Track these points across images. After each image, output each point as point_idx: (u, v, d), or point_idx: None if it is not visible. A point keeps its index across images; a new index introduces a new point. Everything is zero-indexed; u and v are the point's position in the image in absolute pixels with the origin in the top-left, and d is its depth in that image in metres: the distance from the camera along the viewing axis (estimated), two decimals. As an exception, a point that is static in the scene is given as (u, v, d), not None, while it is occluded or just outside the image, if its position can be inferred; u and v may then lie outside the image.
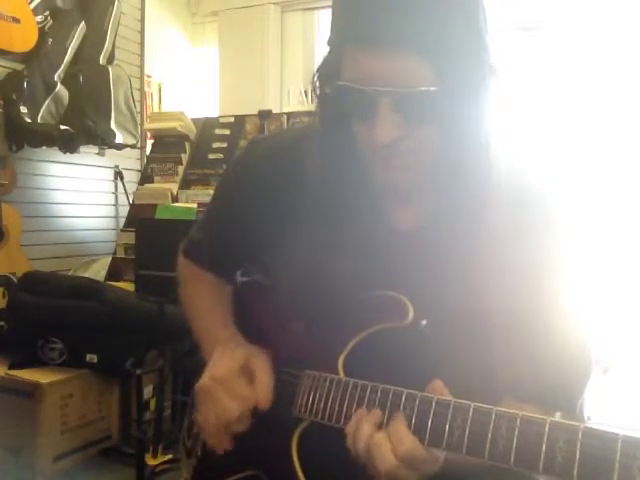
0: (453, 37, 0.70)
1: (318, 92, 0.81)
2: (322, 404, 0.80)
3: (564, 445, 0.59)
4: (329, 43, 0.80)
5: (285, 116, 3.13)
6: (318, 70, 0.82)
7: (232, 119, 3.39)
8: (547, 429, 0.61)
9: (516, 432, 0.62)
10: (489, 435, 0.64)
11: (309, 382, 0.84)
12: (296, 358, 0.88)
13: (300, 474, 0.81)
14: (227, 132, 3.33)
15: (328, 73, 0.79)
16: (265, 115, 2.69)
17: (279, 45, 4.63)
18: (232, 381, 0.86)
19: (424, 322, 0.78)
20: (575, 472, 0.58)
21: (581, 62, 3.81)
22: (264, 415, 0.87)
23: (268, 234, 0.94)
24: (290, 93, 4.51)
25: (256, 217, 0.95)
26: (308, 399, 0.83)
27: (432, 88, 0.71)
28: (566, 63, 3.86)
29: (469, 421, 0.66)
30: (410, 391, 0.72)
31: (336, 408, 0.79)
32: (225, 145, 3.28)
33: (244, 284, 1.04)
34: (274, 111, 2.89)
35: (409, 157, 0.77)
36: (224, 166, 3.13)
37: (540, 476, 0.61)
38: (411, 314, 0.77)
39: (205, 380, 0.88)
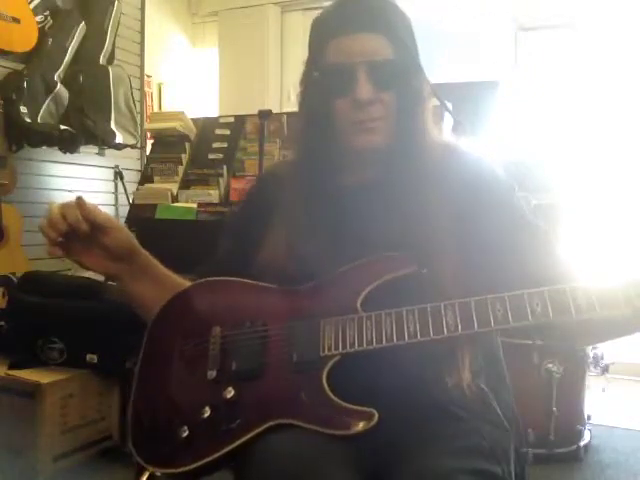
0: (402, 30, 1.05)
1: (306, 81, 1.09)
2: (356, 335, 0.92)
3: (539, 300, 0.86)
4: (311, 49, 1.10)
5: (285, 116, 3.12)
6: (305, 66, 1.11)
7: (232, 119, 3.38)
8: (525, 295, 0.87)
9: (507, 304, 0.87)
10: (489, 309, 0.88)
11: (332, 325, 0.94)
12: (308, 314, 0.98)
13: (338, 400, 0.89)
14: (227, 132, 3.33)
15: (314, 64, 1.08)
16: (265, 115, 2.68)
17: (279, 45, 4.63)
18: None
19: (425, 270, 0.96)
20: (550, 313, 0.86)
21: (583, 61, 3.81)
22: (284, 365, 0.94)
23: (265, 231, 1.12)
24: (290, 93, 4.51)
25: (254, 226, 1.15)
26: (337, 336, 0.93)
27: (392, 58, 1.03)
28: (568, 63, 3.86)
29: (473, 311, 0.89)
30: (447, 302, 0.90)
31: (374, 332, 0.91)
32: (225, 145, 3.27)
33: (209, 281, 1.12)
34: (274, 111, 2.88)
35: (378, 122, 1.04)
36: (224, 166, 3.13)
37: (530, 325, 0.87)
38: (416, 264, 0.96)
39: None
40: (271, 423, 0.90)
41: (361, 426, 0.86)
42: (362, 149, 1.06)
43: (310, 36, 1.11)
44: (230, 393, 0.94)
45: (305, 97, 1.11)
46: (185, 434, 0.95)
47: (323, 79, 1.05)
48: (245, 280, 1.08)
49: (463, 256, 1.00)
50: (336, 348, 0.92)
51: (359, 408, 0.88)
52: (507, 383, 1.11)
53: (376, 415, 0.86)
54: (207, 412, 0.94)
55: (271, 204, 1.13)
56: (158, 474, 0.98)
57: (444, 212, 1.01)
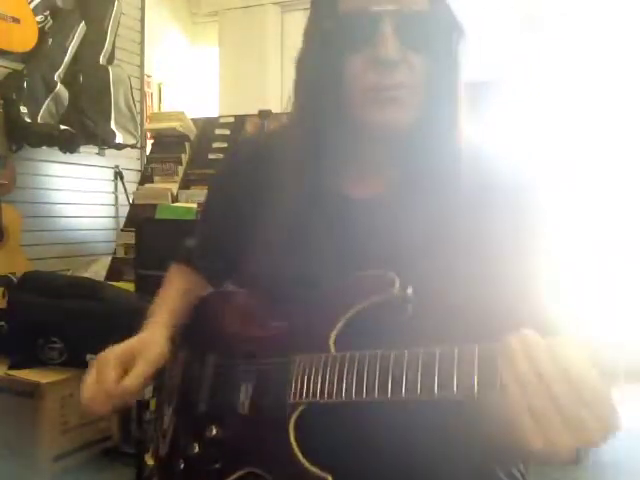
0: None
1: (313, 31, 0.85)
2: (319, 384, 0.77)
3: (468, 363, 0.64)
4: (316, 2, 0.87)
5: (285, 116, 3.12)
6: (310, 16, 0.87)
7: (232, 119, 3.38)
8: (456, 352, 0.65)
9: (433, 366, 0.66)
10: (435, 371, 0.66)
11: (301, 367, 0.80)
12: (283, 346, 0.85)
13: (301, 458, 0.77)
14: (227, 132, 3.33)
15: (322, 13, 0.83)
16: (265, 115, 2.68)
17: (279, 45, 4.63)
18: (109, 365, 0.91)
19: (410, 290, 0.76)
20: (475, 387, 0.63)
21: (584, 61, 3.81)
22: (257, 408, 0.85)
23: (243, 227, 0.96)
24: (290, 93, 4.51)
25: (233, 210, 0.99)
26: (303, 383, 0.79)
27: (427, 9, 0.79)
28: (568, 62, 3.86)
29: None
30: (411, 350, 0.70)
31: (335, 384, 0.75)
32: (225, 145, 3.28)
33: (217, 293, 1.05)
34: (274, 111, 2.88)
35: (404, 91, 0.79)
36: (224, 166, 3.13)
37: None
38: (397, 284, 0.76)
39: (105, 352, 0.94)
40: (241, 472, 0.83)
41: None
42: (381, 126, 0.81)
43: None
44: (212, 431, 0.88)
45: (305, 60, 0.87)
46: (182, 466, 0.92)
47: (331, 31, 0.80)
48: (244, 296, 0.97)
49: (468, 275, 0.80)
50: (301, 396, 0.78)
51: (315, 471, 0.75)
52: None
53: None
54: (196, 448, 0.91)
55: (262, 185, 0.95)
56: None
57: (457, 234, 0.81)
